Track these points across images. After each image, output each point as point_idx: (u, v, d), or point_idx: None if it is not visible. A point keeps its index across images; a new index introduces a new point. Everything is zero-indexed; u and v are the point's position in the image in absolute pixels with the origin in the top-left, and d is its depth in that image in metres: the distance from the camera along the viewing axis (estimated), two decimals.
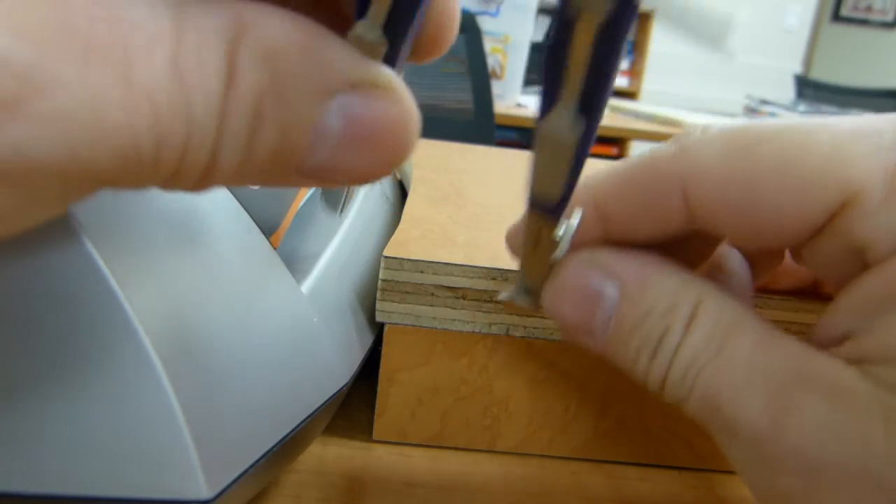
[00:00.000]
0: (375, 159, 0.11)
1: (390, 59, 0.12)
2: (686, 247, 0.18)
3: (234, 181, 0.11)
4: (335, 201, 0.22)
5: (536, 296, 0.18)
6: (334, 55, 0.11)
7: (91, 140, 0.09)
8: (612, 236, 0.17)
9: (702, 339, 0.15)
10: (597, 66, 0.11)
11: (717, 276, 0.19)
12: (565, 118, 0.12)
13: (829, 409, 0.14)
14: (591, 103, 0.12)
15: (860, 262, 0.15)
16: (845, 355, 0.14)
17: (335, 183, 0.12)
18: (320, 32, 0.11)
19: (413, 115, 0.11)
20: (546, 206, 0.15)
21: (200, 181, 0.10)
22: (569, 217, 0.16)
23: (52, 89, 0.08)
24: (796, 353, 0.15)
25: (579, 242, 0.17)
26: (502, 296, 0.19)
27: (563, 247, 0.16)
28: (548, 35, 0.12)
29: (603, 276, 0.17)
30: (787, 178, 0.14)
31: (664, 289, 0.16)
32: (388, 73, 0.11)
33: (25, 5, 0.08)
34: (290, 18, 0.10)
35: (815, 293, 0.22)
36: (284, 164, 0.11)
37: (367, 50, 0.11)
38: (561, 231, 0.16)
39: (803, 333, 0.17)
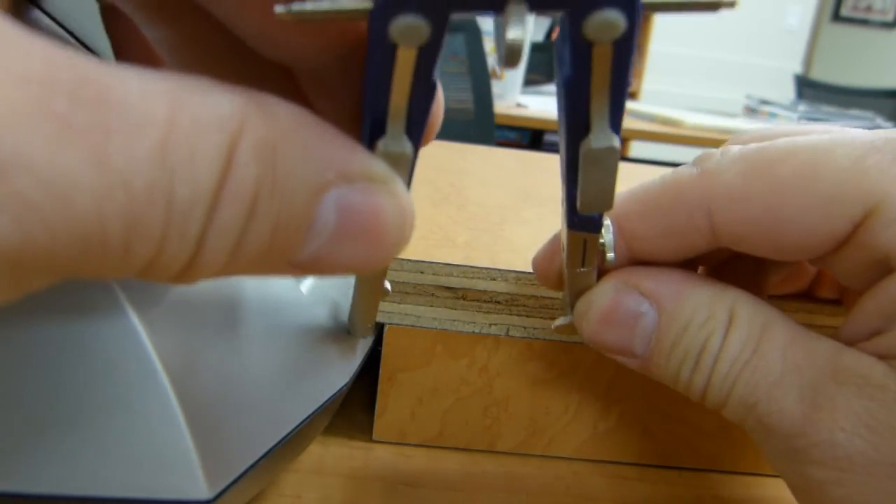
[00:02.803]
0: (368, 253, 0.11)
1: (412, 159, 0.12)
2: (701, 256, 0.19)
3: (220, 274, 0.10)
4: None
5: None
6: (332, 148, 0.10)
7: (50, 226, 0.08)
8: (636, 256, 0.18)
9: (739, 342, 0.16)
10: (618, 80, 0.12)
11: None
12: (607, 133, 0.13)
13: (861, 402, 0.14)
14: (619, 118, 0.13)
15: (885, 268, 0.15)
16: (873, 350, 0.15)
17: (325, 274, 0.11)
18: (317, 124, 0.10)
19: (408, 208, 0.11)
20: (591, 221, 0.15)
21: (182, 274, 0.10)
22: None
23: (14, 171, 0.08)
24: (828, 349, 0.15)
25: (608, 266, 0.18)
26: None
27: (609, 246, 0.17)
28: (561, 67, 0.12)
29: (639, 296, 0.17)
30: (809, 194, 0.15)
31: (700, 300, 0.17)
32: (383, 167, 0.11)
33: (4, 85, 0.08)
34: (291, 110, 0.10)
35: (809, 296, 0.22)
36: (276, 259, 0.11)
37: (395, 161, 0.12)
38: (609, 235, 0.17)
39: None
